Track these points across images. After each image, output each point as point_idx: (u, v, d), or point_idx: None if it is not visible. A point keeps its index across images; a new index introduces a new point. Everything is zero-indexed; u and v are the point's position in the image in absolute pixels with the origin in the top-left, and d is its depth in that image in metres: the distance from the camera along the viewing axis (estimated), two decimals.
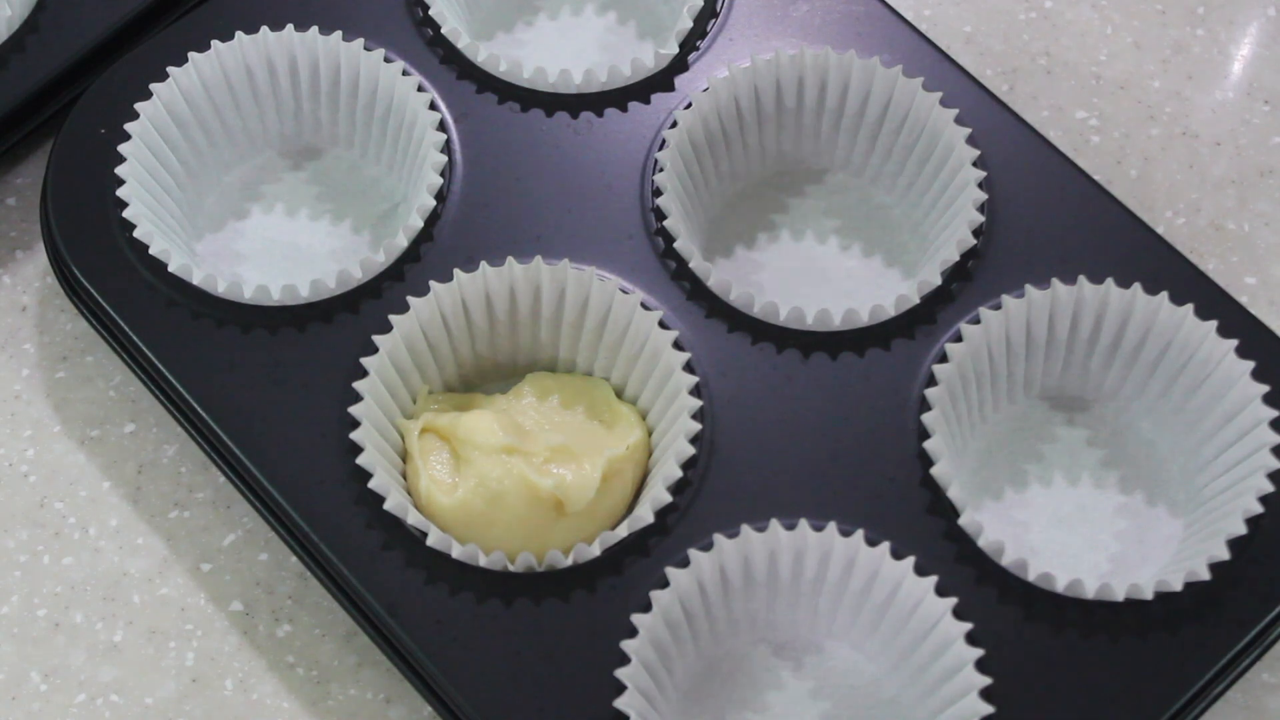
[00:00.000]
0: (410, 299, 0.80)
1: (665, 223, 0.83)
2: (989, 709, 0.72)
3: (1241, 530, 0.75)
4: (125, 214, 0.82)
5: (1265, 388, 0.77)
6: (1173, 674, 0.74)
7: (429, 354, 0.81)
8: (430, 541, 0.76)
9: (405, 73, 0.86)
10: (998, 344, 0.80)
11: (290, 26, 0.86)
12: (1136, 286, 0.80)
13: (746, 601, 0.77)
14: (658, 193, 0.83)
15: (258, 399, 0.80)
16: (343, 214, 0.88)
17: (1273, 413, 0.77)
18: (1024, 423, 0.83)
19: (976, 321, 0.80)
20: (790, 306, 0.81)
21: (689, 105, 0.85)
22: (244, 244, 0.87)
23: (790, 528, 0.76)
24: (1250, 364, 0.78)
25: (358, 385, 0.78)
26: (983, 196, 0.82)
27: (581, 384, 0.82)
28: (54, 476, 0.84)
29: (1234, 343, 0.78)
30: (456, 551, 0.75)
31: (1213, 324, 0.79)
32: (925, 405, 0.79)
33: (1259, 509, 0.75)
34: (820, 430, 0.79)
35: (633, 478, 0.79)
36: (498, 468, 0.77)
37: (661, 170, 0.83)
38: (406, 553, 0.76)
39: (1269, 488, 0.76)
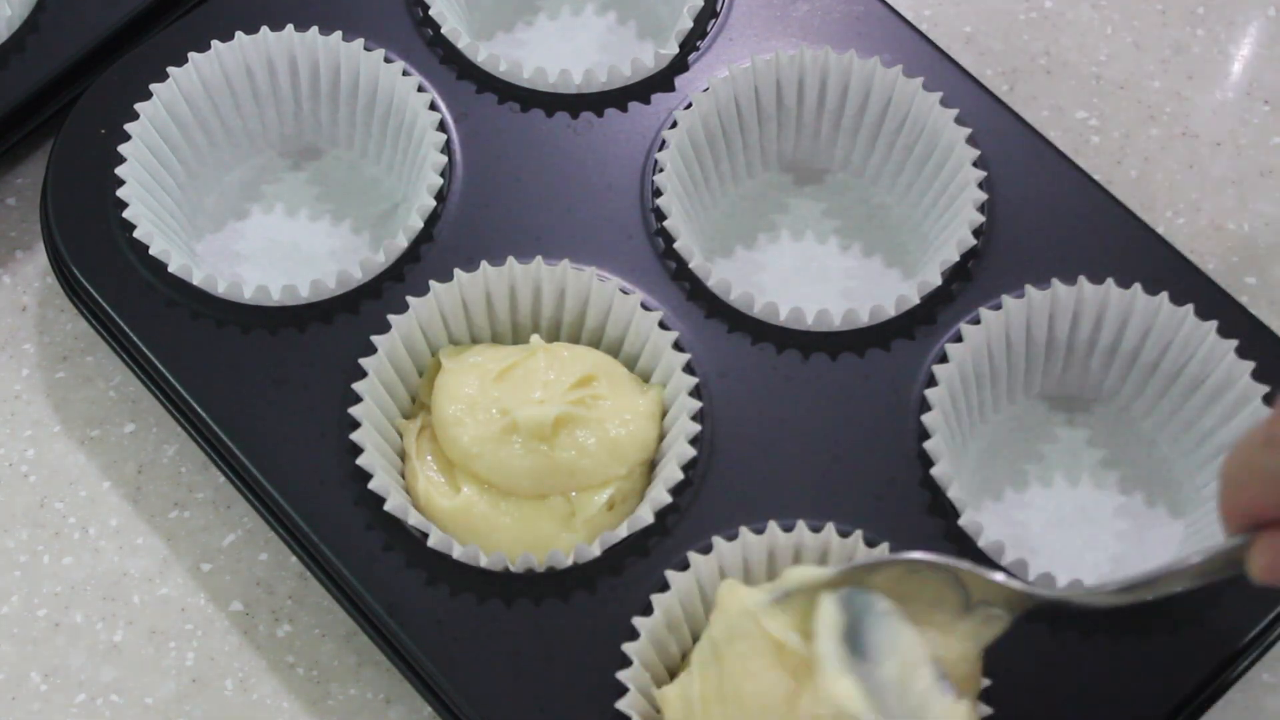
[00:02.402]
0: (410, 299, 0.80)
1: (665, 223, 0.83)
2: (988, 710, 0.72)
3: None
4: (125, 214, 0.82)
5: (1265, 388, 0.77)
6: (1172, 674, 0.74)
7: (429, 354, 0.81)
8: (431, 542, 0.76)
9: (405, 73, 0.86)
10: (998, 344, 0.80)
11: (290, 26, 0.86)
12: (1136, 287, 0.80)
13: None
14: (658, 193, 0.83)
15: (258, 399, 0.80)
16: (343, 214, 0.88)
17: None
18: (1024, 423, 0.83)
19: (976, 322, 0.80)
20: (790, 306, 0.81)
21: (689, 105, 0.85)
22: (244, 244, 0.87)
23: (788, 529, 0.76)
24: (1250, 364, 0.78)
25: (357, 386, 0.78)
26: (983, 196, 0.82)
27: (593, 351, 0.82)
28: (54, 476, 0.84)
29: (1234, 343, 0.78)
30: (457, 552, 0.75)
31: (1213, 324, 0.79)
32: (925, 405, 0.79)
33: None
34: (820, 431, 0.79)
35: (636, 488, 0.79)
36: (485, 422, 0.77)
37: (661, 170, 0.83)
38: (407, 553, 0.76)
39: None
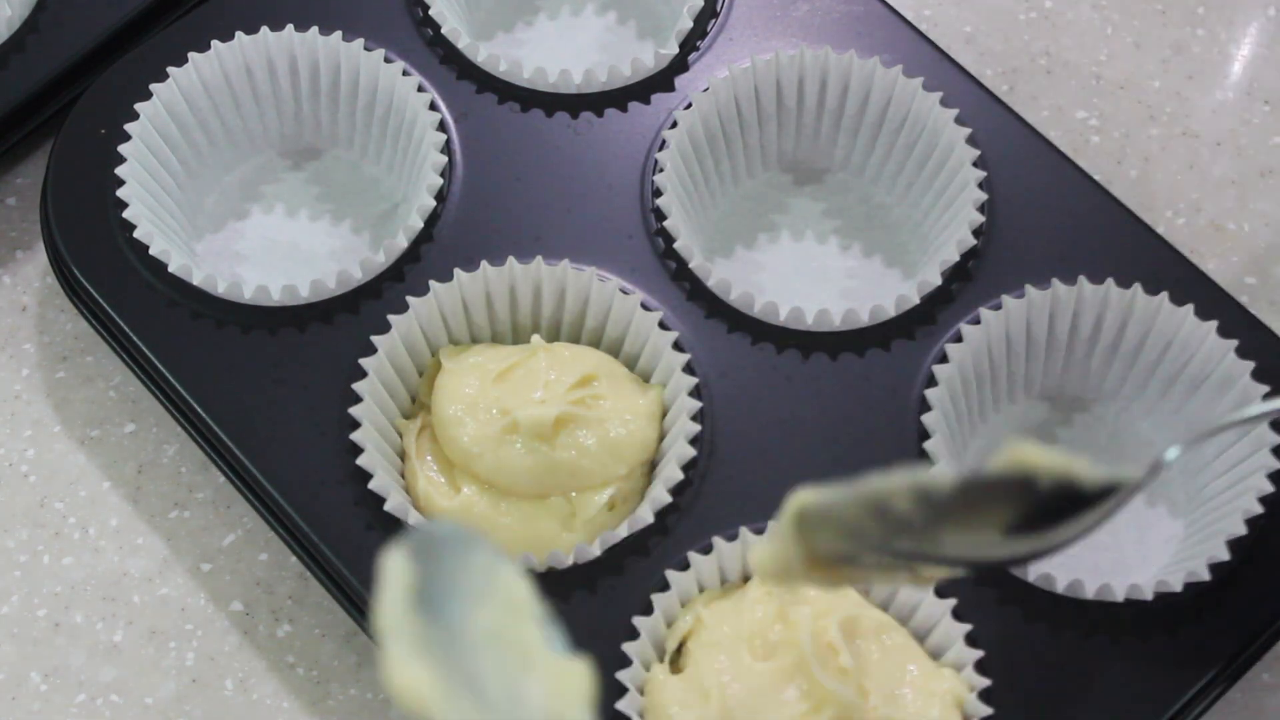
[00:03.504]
0: (410, 299, 0.80)
1: (665, 223, 0.83)
2: (988, 710, 0.72)
3: (1241, 531, 0.75)
4: (125, 214, 0.82)
5: (1265, 388, 0.77)
6: (1173, 674, 0.74)
7: (429, 355, 0.81)
8: None
9: (405, 73, 0.86)
10: (998, 344, 0.80)
11: (290, 26, 0.86)
12: (1136, 287, 0.80)
13: None
14: (658, 193, 0.83)
15: (258, 399, 0.80)
16: (343, 214, 0.88)
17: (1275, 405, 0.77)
18: (1024, 423, 0.83)
19: (977, 322, 0.80)
20: (790, 306, 0.81)
21: (689, 105, 0.85)
22: (244, 244, 0.87)
23: None
24: (1250, 364, 0.78)
25: (357, 386, 0.78)
26: (983, 196, 0.82)
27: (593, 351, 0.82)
28: (54, 476, 0.84)
29: (1234, 343, 0.78)
30: None
31: (1213, 324, 0.79)
32: (925, 405, 0.79)
33: (1259, 509, 0.75)
34: (820, 430, 0.79)
35: (638, 488, 0.79)
36: (486, 422, 0.77)
37: (661, 170, 0.83)
38: None
39: (1269, 488, 0.75)
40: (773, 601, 0.73)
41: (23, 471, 0.84)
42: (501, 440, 0.76)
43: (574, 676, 0.54)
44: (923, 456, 0.78)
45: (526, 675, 0.54)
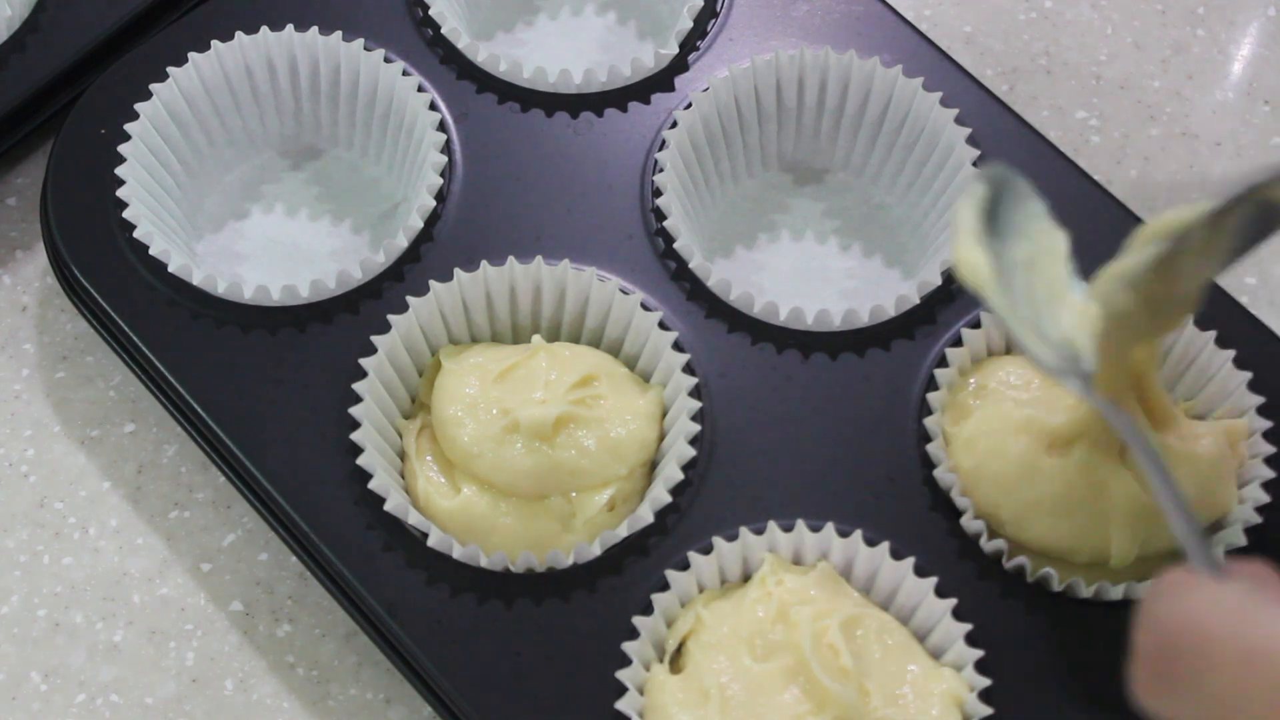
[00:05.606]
0: (410, 299, 0.80)
1: (665, 223, 0.83)
2: (988, 710, 0.72)
3: (1241, 541, 0.75)
4: (125, 214, 0.82)
5: (1261, 399, 0.77)
6: None
7: (429, 354, 0.82)
8: (431, 542, 0.76)
9: (405, 73, 0.86)
10: (998, 349, 0.80)
11: (290, 26, 0.86)
12: None
13: None
14: (658, 193, 0.83)
15: (258, 399, 0.80)
16: (343, 214, 0.88)
17: (1266, 423, 0.77)
18: None
19: (977, 325, 0.80)
20: (790, 306, 0.81)
21: (689, 105, 0.85)
22: (244, 244, 0.87)
23: (788, 529, 0.76)
24: (1247, 375, 0.78)
25: (357, 386, 0.78)
26: None
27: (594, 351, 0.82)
28: (54, 476, 0.84)
29: (1232, 353, 0.78)
30: (457, 552, 0.75)
31: (1212, 334, 0.79)
32: (926, 407, 0.79)
33: (1257, 519, 0.75)
34: (820, 431, 0.79)
35: (639, 489, 0.79)
36: (485, 422, 0.77)
37: (661, 170, 0.83)
38: (407, 553, 0.76)
39: (1265, 498, 0.75)
40: (773, 602, 0.73)
41: (23, 471, 0.84)
42: (501, 440, 0.77)
43: (1092, 315, 0.66)
44: (923, 457, 0.78)
45: (1053, 302, 0.67)
